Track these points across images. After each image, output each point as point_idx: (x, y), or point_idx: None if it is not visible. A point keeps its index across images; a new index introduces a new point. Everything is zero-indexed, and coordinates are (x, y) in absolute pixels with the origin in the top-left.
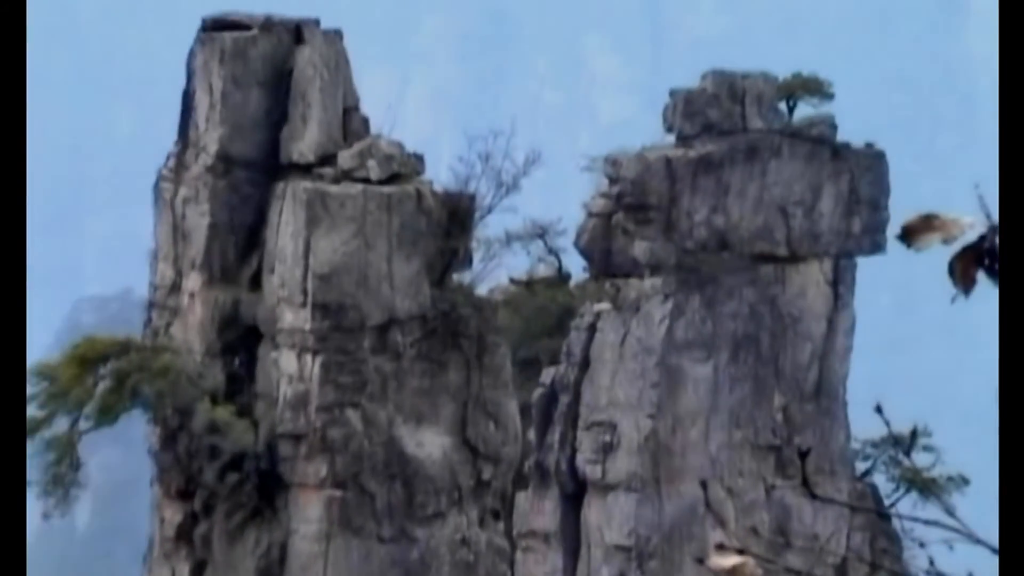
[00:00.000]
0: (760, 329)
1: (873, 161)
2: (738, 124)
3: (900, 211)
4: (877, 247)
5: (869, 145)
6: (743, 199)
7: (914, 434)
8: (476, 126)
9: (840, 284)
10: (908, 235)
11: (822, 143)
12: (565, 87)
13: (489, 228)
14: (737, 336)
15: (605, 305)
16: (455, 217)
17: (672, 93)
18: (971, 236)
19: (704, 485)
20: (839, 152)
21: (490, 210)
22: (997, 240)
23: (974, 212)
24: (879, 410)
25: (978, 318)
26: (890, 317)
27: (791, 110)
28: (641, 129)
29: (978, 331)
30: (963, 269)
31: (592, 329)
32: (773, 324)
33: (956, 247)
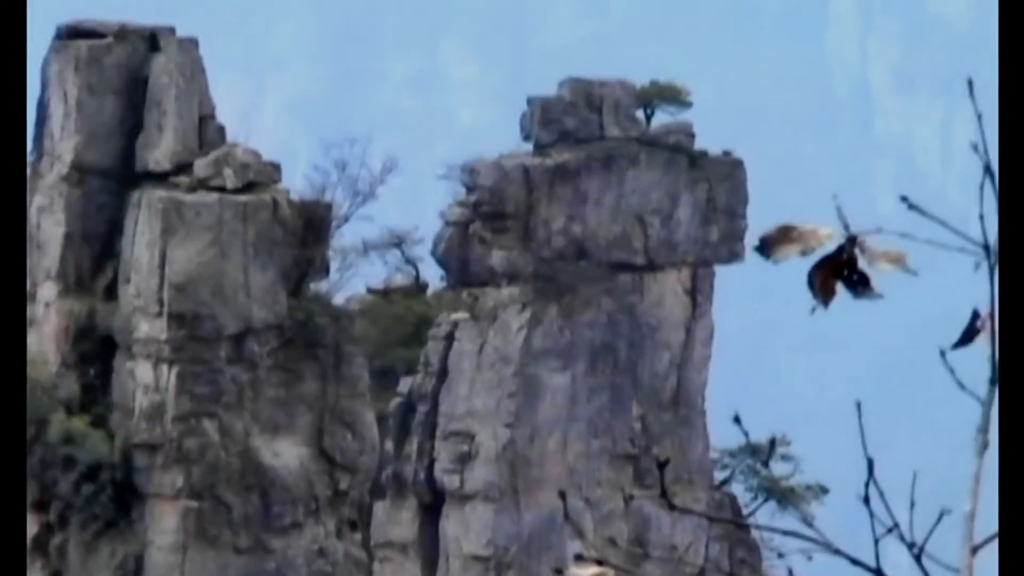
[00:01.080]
0: (618, 338)
1: (731, 169)
2: (595, 132)
3: (761, 219)
4: (735, 256)
5: (727, 153)
6: (600, 208)
7: (772, 444)
8: (333, 133)
9: (698, 293)
10: (766, 246)
11: (679, 151)
12: (423, 93)
13: (346, 237)
14: (595, 345)
15: (462, 315)
16: (311, 226)
17: (529, 101)
18: (830, 247)
19: (562, 495)
20: (696, 160)
21: (347, 219)
22: (856, 251)
23: (833, 222)
24: (737, 420)
25: (838, 327)
26: (749, 325)
27: (649, 118)
28: (499, 137)
29: (839, 340)
30: (822, 280)
31: (450, 338)
32: (631, 333)
33: (815, 258)
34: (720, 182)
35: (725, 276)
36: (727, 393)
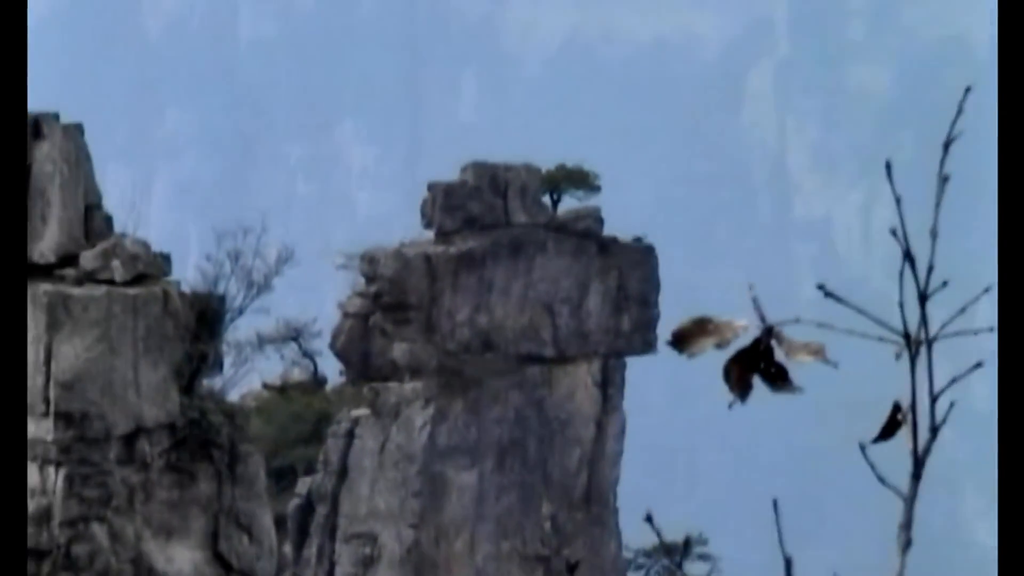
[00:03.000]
0: (527, 434)
1: (642, 256)
2: (501, 218)
3: (675, 307)
4: (648, 346)
5: (638, 239)
6: (507, 297)
7: (687, 543)
8: (225, 222)
9: (609, 385)
10: (679, 340)
11: (588, 237)
12: (319, 179)
13: (240, 330)
14: (503, 442)
15: (363, 411)
16: (204, 319)
17: (431, 186)
18: (746, 339)
19: None
20: (607, 247)
21: (241, 311)
22: (773, 342)
23: (750, 311)
24: (649, 519)
25: (757, 419)
26: (664, 418)
27: (555, 203)
28: (400, 224)
29: (757, 432)
30: (738, 374)
31: (350, 436)
32: (540, 428)
33: (731, 350)
34: (631, 269)
35: (637, 367)
36: (640, 490)
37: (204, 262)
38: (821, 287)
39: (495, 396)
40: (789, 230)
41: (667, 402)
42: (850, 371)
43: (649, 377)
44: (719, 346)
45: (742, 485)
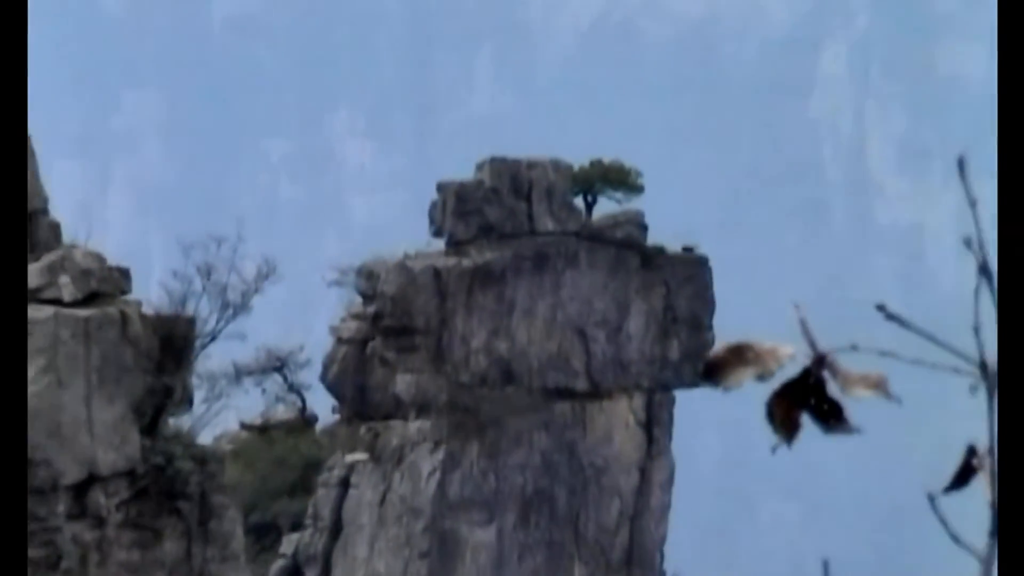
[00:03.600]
0: (556, 483)
1: (693, 269)
2: (524, 225)
3: (731, 330)
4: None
5: (688, 249)
6: (532, 319)
7: None
8: (194, 231)
9: (655, 425)
10: (713, 371)
11: (629, 247)
12: (306, 179)
13: (213, 360)
14: (527, 493)
15: (360, 455)
16: (170, 347)
17: (440, 187)
18: (792, 370)
19: None
20: (651, 259)
21: (213, 337)
22: (824, 373)
23: (795, 338)
24: None
25: (826, 464)
26: (719, 464)
27: (589, 207)
28: (403, 232)
29: (824, 479)
30: (783, 412)
31: (344, 485)
32: (571, 477)
33: (775, 383)
34: (680, 285)
35: (688, 403)
36: (691, 549)
37: (170, 278)
38: (881, 308)
39: (517, 438)
40: (869, 239)
41: (723, 444)
42: (921, 409)
43: (703, 414)
44: (761, 378)
45: (810, 540)
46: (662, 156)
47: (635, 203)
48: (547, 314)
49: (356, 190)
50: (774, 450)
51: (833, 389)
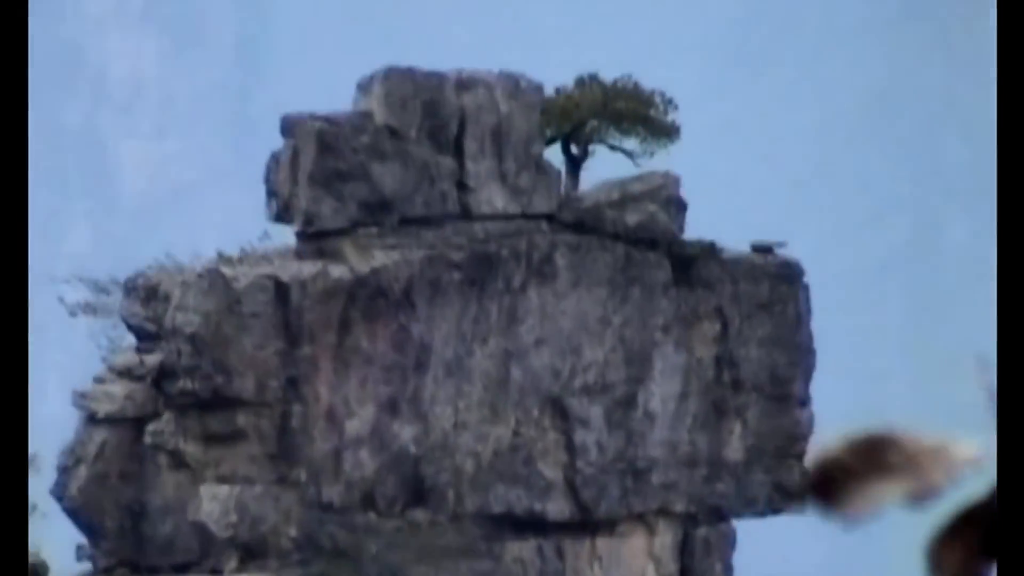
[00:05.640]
0: None
1: (775, 286)
2: (449, 201)
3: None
4: (783, 497)
5: (762, 248)
6: (462, 380)
7: None
8: None
9: (689, 571)
10: (823, 485)
11: (651, 244)
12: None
13: None
14: None
15: None
16: None
17: (289, 126)
18: (974, 485)
19: None
20: (692, 264)
21: None
22: None
23: (963, 420)
24: None
25: None
26: None
27: (576, 164)
28: (212, 215)
29: None
30: (958, 564)
31: None
32: None
33: (942, 510)
34: (750, 315)
35: (757, 536)
36: None
37: None
38: None
39: None
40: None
41: None
42: None
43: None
44: (915, 502)
45: None
46: (707, 94)
47: (662, 161)
48: (493, 369)
49: (122, 132)
50: None
51: None
